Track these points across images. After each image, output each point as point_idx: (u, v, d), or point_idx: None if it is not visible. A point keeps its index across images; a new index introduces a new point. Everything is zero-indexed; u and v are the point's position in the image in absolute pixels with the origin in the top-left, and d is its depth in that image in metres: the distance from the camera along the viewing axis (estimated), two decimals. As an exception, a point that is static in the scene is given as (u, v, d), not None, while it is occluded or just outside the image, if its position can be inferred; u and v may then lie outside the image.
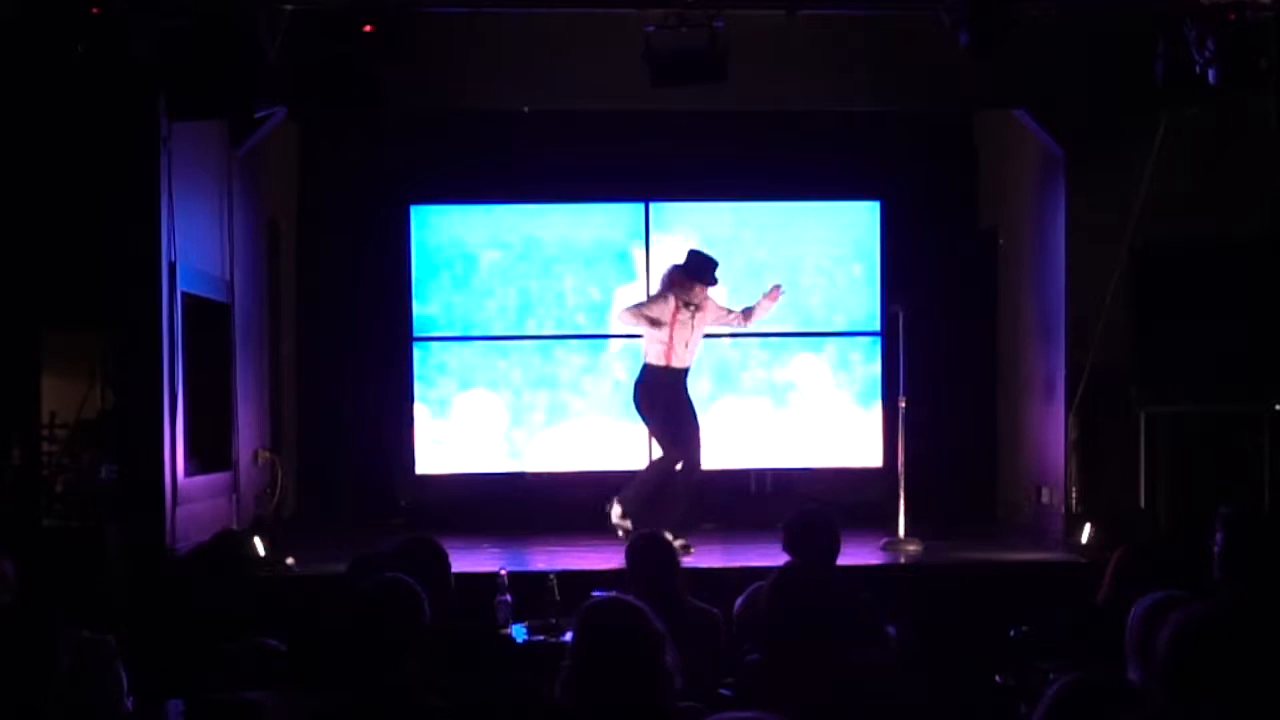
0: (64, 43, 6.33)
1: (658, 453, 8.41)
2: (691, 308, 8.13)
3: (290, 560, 7.52)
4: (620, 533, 7.97)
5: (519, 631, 5.87)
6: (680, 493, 8.19)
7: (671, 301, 8.10)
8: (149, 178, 7.12)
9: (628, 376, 9.92)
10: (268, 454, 9.04)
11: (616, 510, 8.13)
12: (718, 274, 8.19)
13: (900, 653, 4.95)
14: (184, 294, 7.46)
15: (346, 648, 3.62)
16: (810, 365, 9.99)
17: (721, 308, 8.41)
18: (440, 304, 9.96)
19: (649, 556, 5.14)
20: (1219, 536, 4.78)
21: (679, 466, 8.18)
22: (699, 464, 8.24)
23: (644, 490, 8.16)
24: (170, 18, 6.38)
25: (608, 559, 7.55)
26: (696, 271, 8.14)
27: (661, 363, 8.17)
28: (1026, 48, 6.96)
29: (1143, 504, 8.03)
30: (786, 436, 9.91)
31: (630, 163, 9.83)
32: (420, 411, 9.93)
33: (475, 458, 9.91)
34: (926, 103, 8.57)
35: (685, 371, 8.26)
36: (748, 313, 8.42)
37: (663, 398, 8.19)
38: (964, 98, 8.49)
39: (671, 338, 8.10)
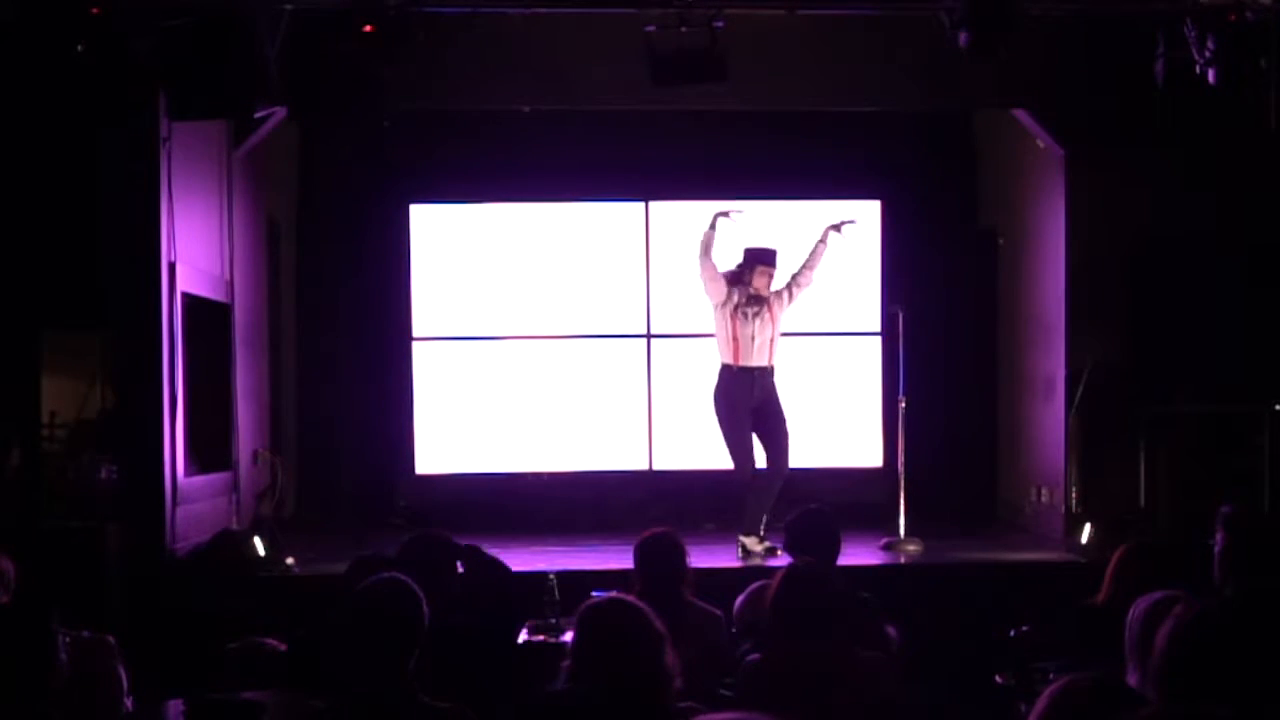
0: (64, 43, 6.34)
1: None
2: (754, 303, 7.93)
3: (290, 560, 7.52)
4: (769, 555, 7.70)
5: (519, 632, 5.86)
6: (758, 493, 7.97)
7: (731, 292, 7.91)
8: (149, 178, 7.13)
9: (640, 372, 9.97)
10: (268, 454, 9.04)
11: (751, 541, 7.84)
12: (775, 260, 7.98)
13: (900, 653, 4.95)
14: (184, 294, 7.47)
15: (346, 648, 3.62)
16: (810, 365, 9.98)
17: (782, 290, 8.09)
18: (440, 304, 9.96)
19: (656, 556, 5.13)
20: (1219, 536, 4.78)
21: (764, 471, 7.98)
22: (784, 464, 8.01)
23: (758, 506, 7.91)
24: (170, 18, 6.38)
25: (608, 559, 7.55)
26: (752, 257, 7.98)
27: (728, 360, 8.01)
28: (1026, 48, 6.96)
29: (1143, 504, 8.04)
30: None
31: (630, 163, 9.83)
32: (420, 411, 9.93)
33: (475, 458, 9.91)
34: (926, 103, 8.57)
35: (758, 371, 7.98)
36: (811, 261, 8.12)
37: (727, 401, 7.99)
38: (964, 98, 8.49)
39: (735, 334, 7.93)
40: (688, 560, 5.17)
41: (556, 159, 9.76)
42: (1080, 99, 7.95)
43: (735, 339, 7.97)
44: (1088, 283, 8.24)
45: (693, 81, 6.85)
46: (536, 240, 9.99)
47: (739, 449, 8.02)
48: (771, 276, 8.02)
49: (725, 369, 8.04)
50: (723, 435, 8.06)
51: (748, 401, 8.01)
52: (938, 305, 9.68)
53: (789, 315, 8.22)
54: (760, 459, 8.09)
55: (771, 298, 8.05)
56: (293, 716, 3.99)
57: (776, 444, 8.05)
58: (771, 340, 8.04)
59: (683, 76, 6.84)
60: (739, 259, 8.08)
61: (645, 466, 9.97)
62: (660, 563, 5.09)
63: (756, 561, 7.67)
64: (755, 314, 7.96)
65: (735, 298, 7.97)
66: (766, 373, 8.04)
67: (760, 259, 8.02)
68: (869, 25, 7.71)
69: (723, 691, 4.29)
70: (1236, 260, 8.06)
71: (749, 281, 7.98)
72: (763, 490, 7.97)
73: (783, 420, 8.09)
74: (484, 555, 5.27)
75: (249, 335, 8.71)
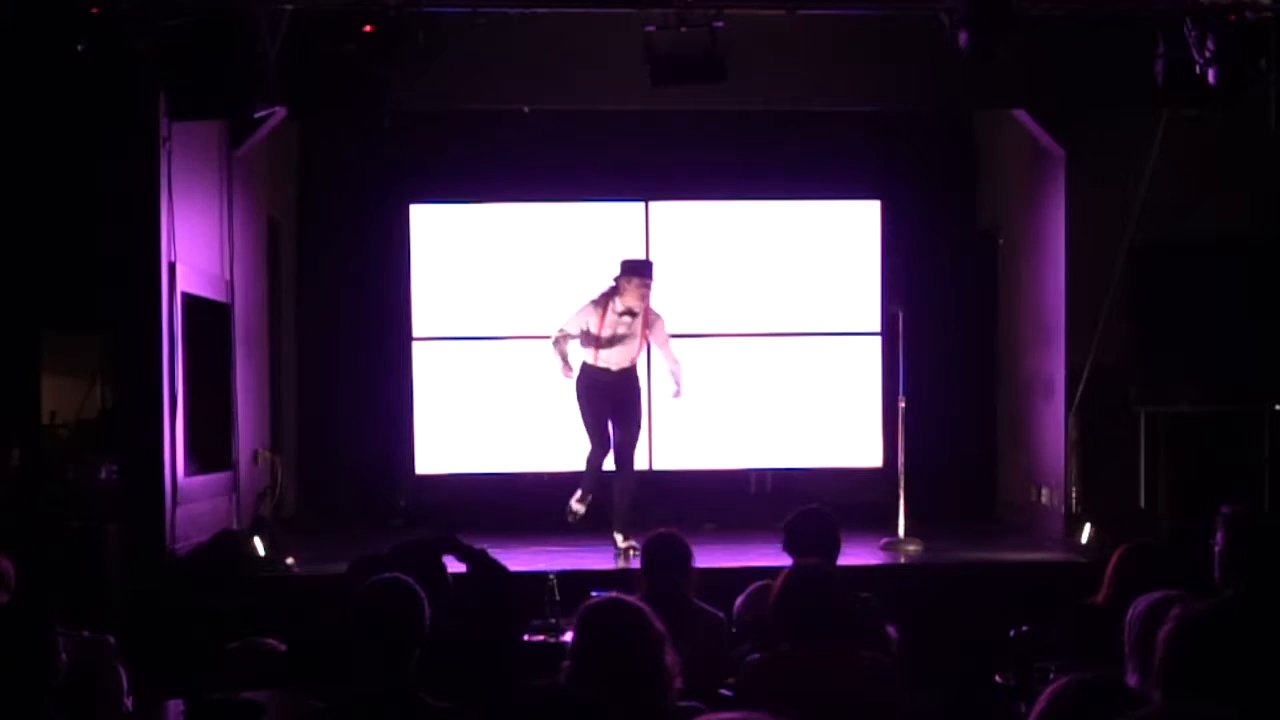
0: (64, 43, 6.34)
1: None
2: (628, 315, 8.05)
3: (290, 560, 7.52)
4: (571, 518, 8.13)
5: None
6: (618, 494, 8.15)
7: (598, 312, 8.06)
8: (149, 178, 7.13)
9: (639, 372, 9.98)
10: (268, 454, 9.04)
11: (578, 507, 8.14)
12: (651, 272, 8.12)
13: (900, 653, 4.95)
14: (184, 294, 7.47)
15: (346, 648, 3.62)
16: (810, 365, 9.98)
17: (668, 342, 8.34)
18: (440, 304, 9.96)
19: (662, 557, 5.14)
20: (1219, 536, 4.78)
21: (609, 465, 8.18)
22: (628, 464, 8.20)
23: (586, 485, 8.18)
24: (170, 18, 6.38)
25: (608, 559, 7.56)
26: (626, 270, 8.09)
27: (589, 360, 8.16)
28: (1026, 48, 6.96)
29: (1143, 504, 8.04)
30: (786, 436, 9.91)
31: (630, 163, 9.83)
32: (420, 411, 9.93)
33: (475, 458, 9.90)
34: (926, 103, 8.57)
35: (620, 372, 8.17)
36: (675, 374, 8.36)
37: (587, 394, 8.16)
38: (964, 98, 8.49)
39: (598, 346, 8.09)
40: (693, 563, 5.18)
41: (556, 159, 9.75)
42: (1080, 99, 7.95)
43: (596, 349, 8.12)
44: (1088, 283, 8.24)
45: (693, 81, 6.85)
46: (537, 240, 9.98)
47: (594, 436, 8.18)
48: (648, 289, 8.07)
49: (584, 366, 8.17)
50: (583, 423, 8.23)
51: (607, 394, 8.13)
52: (938, 305, 9.68)
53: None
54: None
55: (655, 321, 8.18)
56: (293, 716, 3.99)
57: (624, 445, 8.16)
58: (634, 354, 8.20)
59: (683, 76, 6.83)
60: (616, 271, 8.14)
61: (645, 466, 9.95)
62: (667, 565, 5.09)
63: (621, 563, 7.69)
64: (623, 338, 8.08)
65: (602, 318, 8.04)
66: (627, 371, 8.20)
67: (636, 271, 8.10)
68: (869, 25, 7.70)
69: (723, 691, 4.29)
70: (1237, 260, 8.06)
71: (622, 295, 8.03)
72: (624, 491, 8.12)
73: (636, 423, 8.21)
74: (481, 555, 5.23)
75: (249, 335, 8.71)
